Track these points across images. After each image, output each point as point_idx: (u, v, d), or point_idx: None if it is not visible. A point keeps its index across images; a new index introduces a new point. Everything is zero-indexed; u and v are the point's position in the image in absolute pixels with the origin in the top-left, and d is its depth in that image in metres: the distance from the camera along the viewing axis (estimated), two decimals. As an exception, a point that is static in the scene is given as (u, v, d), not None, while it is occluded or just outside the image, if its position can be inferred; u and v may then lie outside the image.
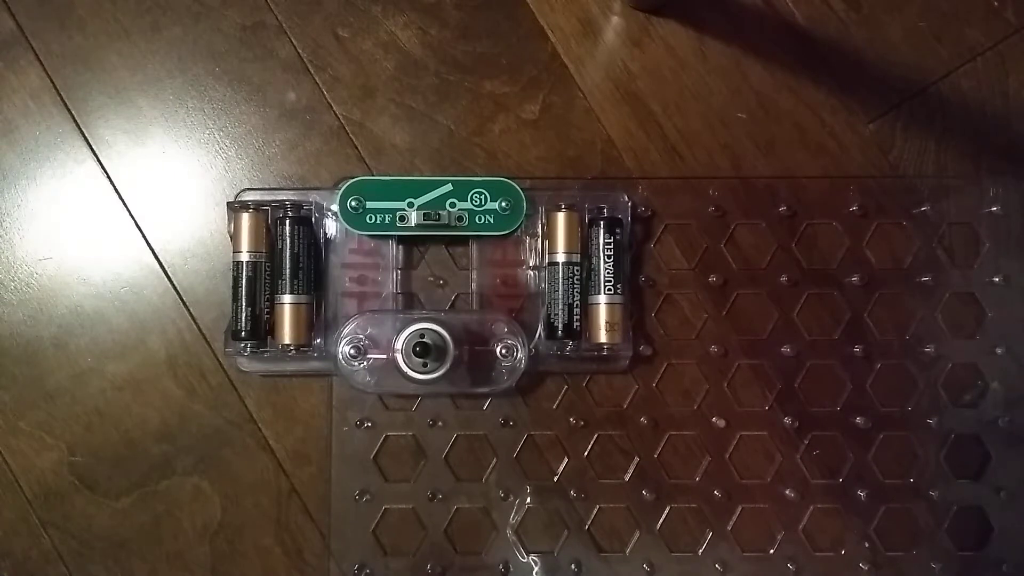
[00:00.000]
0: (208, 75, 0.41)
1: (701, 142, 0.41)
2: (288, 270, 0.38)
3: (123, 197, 0.41)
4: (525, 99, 0.41)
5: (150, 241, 0.41)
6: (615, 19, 0.42)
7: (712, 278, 0.40)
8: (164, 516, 0.40)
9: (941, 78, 0.42)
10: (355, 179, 0.39)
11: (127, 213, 0.41)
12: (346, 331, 0.38)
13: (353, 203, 0.39)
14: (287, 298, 0.38)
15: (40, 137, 0.41)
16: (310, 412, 0.40)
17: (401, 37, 0.41)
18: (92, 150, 0.41)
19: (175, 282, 0.40)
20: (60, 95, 0.41)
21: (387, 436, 0.40)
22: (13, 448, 0.40)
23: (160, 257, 0.40)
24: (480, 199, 0.39)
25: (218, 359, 0.40)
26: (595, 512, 0.40)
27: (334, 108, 0.41)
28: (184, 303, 0.40)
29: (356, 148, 0.41)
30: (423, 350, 0.36)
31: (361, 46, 0.41)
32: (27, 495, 0.40)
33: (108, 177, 0.41)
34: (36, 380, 0.40)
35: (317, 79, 0.41)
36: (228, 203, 0.39)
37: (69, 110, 0.41)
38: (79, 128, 0.41)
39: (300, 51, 0.41)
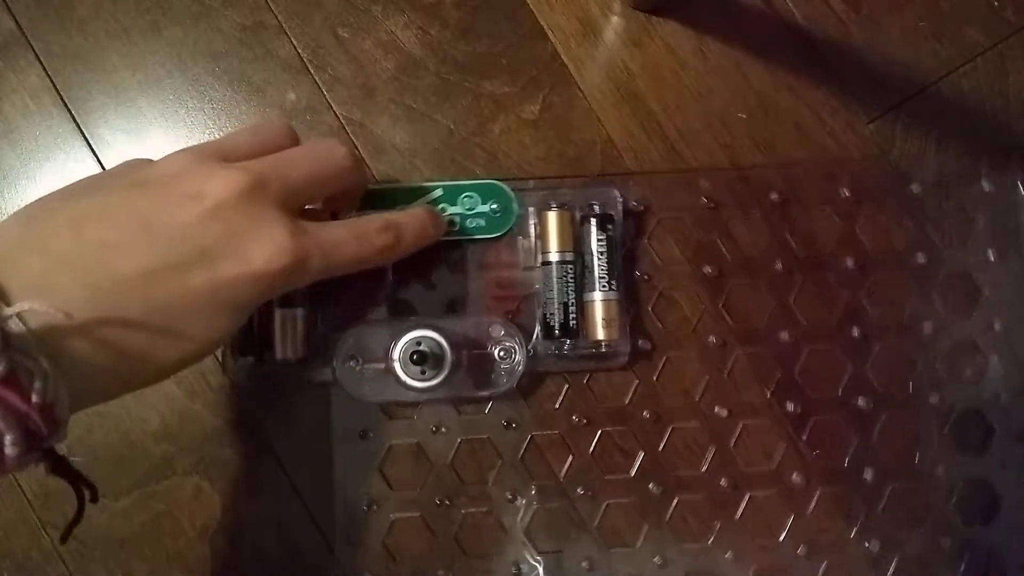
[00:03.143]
0: (208, 75, 0.41)
1: (701, 142, 0.41)
2: None
3: (123, 197, 0.41)
4: (525, 99, 0.41)
5: (150, 241, 0.40)
6: (615, 19, 0.42)
7: (707, 269, 0.40)
8: (164, 516, 0.40)
9: (941, 78, 0.42)
10: None
11: (127, 213, 0.41)
12: (343, 342, 0.38)
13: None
14: (283, 312, 0.38)
15: (40, 137, 0.41)
16: (310, 412, 0.40)
17: (401, 37, 0.41)
18: (92, 150, 0.41)
19: (175, 282, 0.40)
20: (60, 95, 0.41)
21: (390, 446, 0.40)
22: (13, 448, 0.40)
23: (160, 257, 0.40)
24: (470, 202, 0.39)
25: (218, 359, 0.40)
26: (603, 509, 0.40)
27: (334, 108, 0.41)
28: (184, 303, 0.40)
29: (356, 148, 0.41)
30: (420, 358, 0.36)
31: (361, 46, 0.41)
32: (27, 495, 0.40)
33: (108, 177, 0.41)
34: (36, 380, 0.40)
35: (317, 79, 0.41)
36: None
37: (69, 110, 0.41)
38: (79, 128, 0.41)
39: (300, 51, 0.41)
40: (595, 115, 0.41)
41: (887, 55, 0.42)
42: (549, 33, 0.41)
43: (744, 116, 0.41)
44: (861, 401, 0.40)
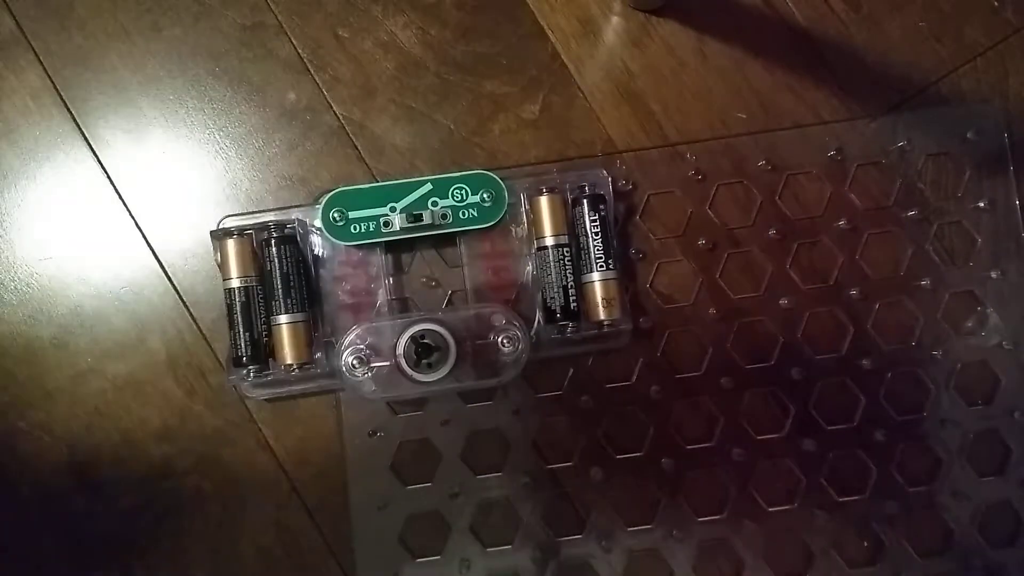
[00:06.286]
0: (208, 75, 0.41)
1: (701, 142, 0.41)
2: (280, 290, 0.38)
3: (123, 197, 0.41)
4: (525, 99, 0.41)
5: (150, 241, 0.41)
6: (615, 19, 0.42)
7: (701, 241, 0.40)
8: (164, 516, 0.40)
9: (941, 78, 0.42)
10: (335, 191, 0.39)
11: (127, 213, 0.41)
12: (346, 343, 0.38)
13: (335, 215, 0.39)
14: (283, 318, 0.38)
15: (40, 137, 0.41)
16: (310, 412, 0.40)
17: (401, 37, 0.41)
18: (92, 150, 0.41)
19: (175, 282, 0.40)
20: (60, 95, 0.41)
21: (401, 442, 0.40)
22: (13, 448, 0.40)
23: (160, 257, 0.40)
24: (461, 194, 0.39)
25: (218, 359, 0.40)
26: (618, 488, 0.40)
27: (334, 108, 0.41)
28: (184, 303, 0.40)
29: (356, 148, 0.41)
30: (425, 351, 0.36)
31: (361, 46, 0.41)
32: (27, 495, 0.40)
33: (108, 177, 0.41)
34: (36, 380, 0.40)
35: (317, 79, 0.41)
36: (211, 232, 0.39)
37: (69, 110, 0.41)
38: (79, 128, 0.41)
39: (300, 51, 0.41)
40: (595, 115, 0.41)
41: (887, 55, 0.42)
42: (549, 33, 0.41)
43: (744, 116, 0.41)
44: (865, 361, 0.40)
